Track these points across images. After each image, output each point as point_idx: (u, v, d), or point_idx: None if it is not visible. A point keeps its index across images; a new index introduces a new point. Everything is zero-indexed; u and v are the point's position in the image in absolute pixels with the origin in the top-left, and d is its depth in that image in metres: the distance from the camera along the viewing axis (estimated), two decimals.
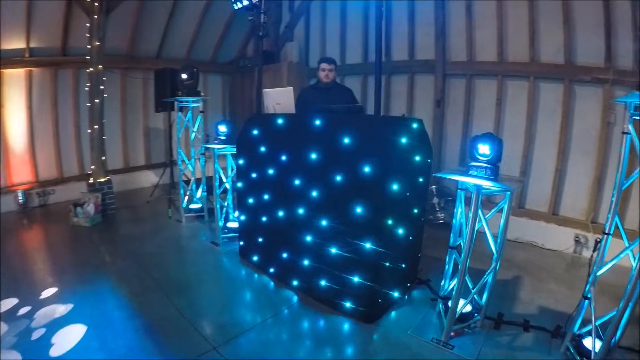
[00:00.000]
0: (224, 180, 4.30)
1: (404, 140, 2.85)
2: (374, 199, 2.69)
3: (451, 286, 2.92)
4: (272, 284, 3.42)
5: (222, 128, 4.20)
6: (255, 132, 3.52)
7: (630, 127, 2.32)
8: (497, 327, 2.81)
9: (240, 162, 3.73)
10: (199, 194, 5.08)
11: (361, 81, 5.86)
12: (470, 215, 2.55)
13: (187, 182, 5.09)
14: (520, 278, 3.62)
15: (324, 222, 2.96)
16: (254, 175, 3.57)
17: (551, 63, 4.13)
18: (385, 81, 5.56)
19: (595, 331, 2.37)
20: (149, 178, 6.37)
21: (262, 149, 3.43)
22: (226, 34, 6.82)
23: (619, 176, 2.36)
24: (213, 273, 3.65)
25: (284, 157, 3.23)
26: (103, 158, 5.03)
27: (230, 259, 3.91)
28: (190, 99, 4.76)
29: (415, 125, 3.07)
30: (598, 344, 2.33)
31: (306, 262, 3.14)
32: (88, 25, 4.73)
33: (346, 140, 2.77)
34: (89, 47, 4.77)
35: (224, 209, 4.38)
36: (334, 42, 6.14)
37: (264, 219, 3.52)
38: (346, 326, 2.83)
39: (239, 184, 3.79)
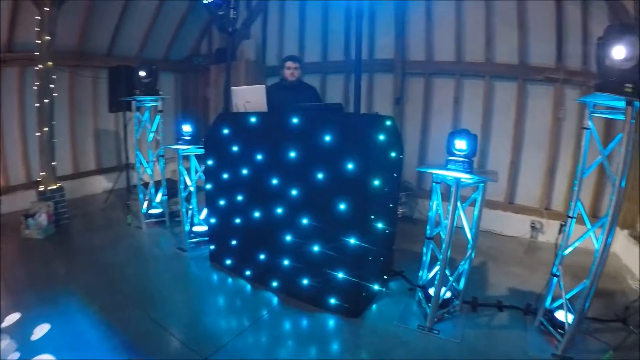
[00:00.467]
0: (189, 182, 4.11)
1: (381, 137, 2.91)
2: (356, 195, 2.70)
3: (431, 275, 3.03)
4: (249, 286, 3.31)
5: (187, 128, 4.00)
6: (225, 131, 3.37)
7: (590, 123, 2.55)
8: (474, 310, 2.97)
9: (210, 162, 3.56)
10: (158, 198, 4.79)
11: (320, 80, 5.86)
12: (450, 207, 2.66)
13: (145, 185, 4.79)
14: (486, 263, 3.84)
15: (304, 221, 2.90)
16: (225, 176, 3.42)
17: (506, 63, 4.43)
18: (344, 80, 5.64)
19: (565, 304, 2.59)
20: (101, 183, 5.89)
21: (235, 148, 3.29)
22: (180, 31, 6.51)
23: (580, 167, 2.57)
24: (186, 280, 3.46)
25: (259, 157, 3.12)
26: (54, 163, 4.55)
27: (200, 265, 3.72)
28: (148, 97, 4.48)
29: (388, 123, 3.14)
30: (569, 316, 2.54)
31: (286, 262, 3.07)
32: (38, 18, 4.26)
33: (327, 138, 2.74)
34: (38, 41, 4.30)
35: (190, 213, 4.19)
36: (292, 41, 6.09)
37: (238, 220, 3.39)
38: (332, 322, 2.82)
39: (209, 186, 3.61)
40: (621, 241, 3.81)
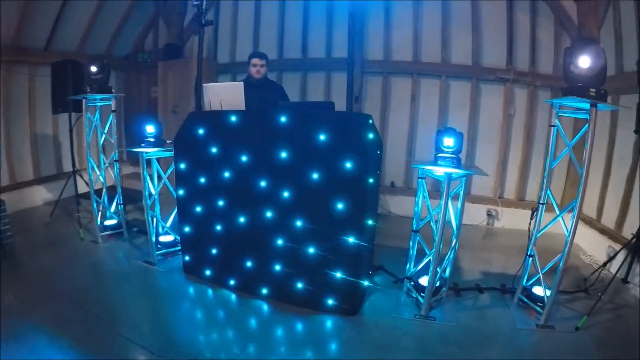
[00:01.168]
0: (152, 189, 3.78)
1: (371, 135, 2.94)
2: (352, 193, 2.69)
3: (420, 266, 3.17)
4: (234, 296, 3.12)
5: (150, 129, 3.66)
6: (201, 131, 3.15)
7: (557, 122, 2.85)
8: (458, 295, 3.16)
9: (182, 166, 3.28)
10: (113, 207, 4.36)
11: (276, 78, 5.76)
12: (442, 201, 2.79)
13: (96, 193, 4.31)
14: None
15: (298, 223, 2.83)
16: (202, 180, 3.19)
17: (461, 64, 4.76)
18: (301, 78, 5.61)
19: (542, 280, 2.89)
20: (41, 194, 5.12)
21: (214, 149, 3.08)
22: (124, 26, 5.93)
23: (549, 159, 2.87)
24: (163, 297, 3.16)
25: (244, 158, 2.96)
26: None
27: (174, 278, 3.42)
28: (100, 96, 4.03)
29: (371, 121, 3.20)
30: (547, 291, 2.83)
31: (277, 267, 2.96)
32: None
33: (321, 137, 2.72)
34: None
35: (155, 222, 3.86)
36: (246, 38, 5.90)
37: (218, 227, 3.18)
38: (331, 323, 2.78)
39: (181, 192, 3.34)
40: (568, 222, 4.34)
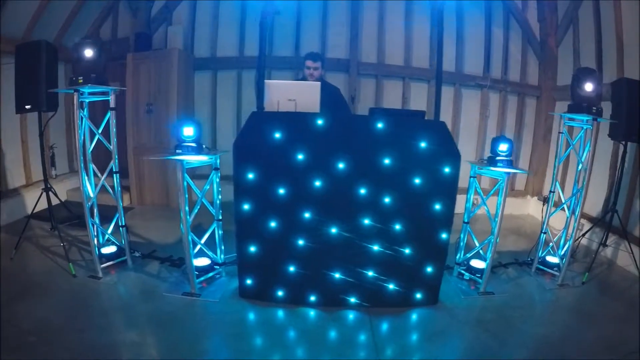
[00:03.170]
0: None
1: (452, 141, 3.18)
2: (445, 194, 2.97)
3: (472, 253, 3.63)
4: (318, 313, 2.98)
5: (189, 131, 3.09)
6: (278, 135, 2.89)
7: (564, 129, 3.62)
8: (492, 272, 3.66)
9: (250, 176, 2.93)
10: (110, 229, 3.61)
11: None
12: (501, 198, 3.29)
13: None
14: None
15: (397, 226, 2.93)
16: (280, 191, 2.92)
17: (445, 71, 5.33)
18: (293, 78, 5.49)
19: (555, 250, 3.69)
20: None
21: (300, 156, 2.87)
22: (79, 12, 4.84)
23: (557, 157, 3.67)
24: (251, 333, 2.81)
25: (340, 165, 2.87)
26: None
27: (236, 307, 3.02)
28: (99, 88, 3.28)
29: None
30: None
31: (370, 273, 2.99)
32: None
33: (422, 144, 2.88)
34: None
35: (197, 246, 3.33)
36: (230, 30, 5.46)
37: (300, 241, 2.97)
38: (424, 314, 3.01)
39: (246, 206, 2.96)
40: (533, 205, 5.41)
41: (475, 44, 5.23)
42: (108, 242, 3.69)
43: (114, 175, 3.59)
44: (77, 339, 2.47)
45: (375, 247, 2.99)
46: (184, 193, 3.09)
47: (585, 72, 3.44)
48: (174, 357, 2.40)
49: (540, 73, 5.46)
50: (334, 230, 2.97)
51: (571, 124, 3.69)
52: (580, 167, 3.57)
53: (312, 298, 3.08)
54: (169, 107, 4.98)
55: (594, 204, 4.49)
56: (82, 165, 3.41)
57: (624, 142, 3.62)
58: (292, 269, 3.05)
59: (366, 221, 2.96)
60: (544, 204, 3.85)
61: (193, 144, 3.11)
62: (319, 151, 2.90)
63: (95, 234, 3.50)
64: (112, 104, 3.46)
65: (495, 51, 5.27)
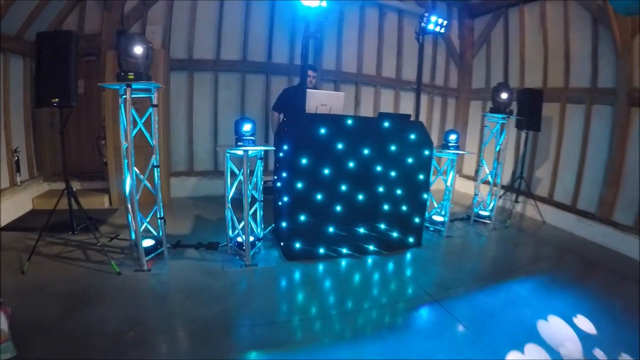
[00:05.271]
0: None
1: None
2: (426, 169, 4.27)
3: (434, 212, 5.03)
4: (350, 261, 3.93)
5: (248, 127, 3.64)
6: (323, 130, 3.75)
7: (487, 125, 5.26)
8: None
9: (304, 161, 3.71)
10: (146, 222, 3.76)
11: (240, 80, 6.00)
12: (453, 172, 4.73)
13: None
14: None
15: (398, 191, 4.13)
16: (326, 171, 3.78)
17: (388, 77, 6.70)
18: (265, 81, 6.12)
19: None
20: None
21: (339, 146, 3.78)
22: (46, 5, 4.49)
23: (482, 146, 5.28)
24: (313, 282, 3.53)
25: (365, 151, 3.89)
26: None
27: (292, 267, 3.74)
28: (144, 85, 3.45)
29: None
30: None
31: (382, 226, 4.11)
32: None
33: (411, 137, 4.13)
34: None
35: (241, 225, 3.85)
36: (206, 33, 5.73)
37: (338, 208, 3.89)
38: (421, 252, 4.26)
39: (299, 184, 3.73)
40: (458, 181, 7.18)
41: (411, 56, 6.68)
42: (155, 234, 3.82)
43: (155, 169, 3.77)
44: (196, 317, 2.87)
45: (385, 207, 4.12)
46: (247, 179, 3.65)
47: (502, 85, 5.10)
48: (303, 308, 3.16)
49: (459, 79, 7.31)
50: (360, 197, 3.98)
51: (492, 120, 5.35)
52: (499, 148, 5.22)
53: (344, 250, 4.03)
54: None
55: (506, 175, 6.31)
56: (125, 161, 3.54)
57: (526, 131, 5.48)
58: (331, 229, 3.94)
59: (380, 189, 4.06)
60: (475, 178, 5.46)
61: (252, 138, 3.69)
62: (350, 142, 3.87)
63: (135, 228, 3.66)
64: (155, 101, 3.72)
65: (427, 61, 6.85)
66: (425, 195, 4.32)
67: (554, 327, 2.93)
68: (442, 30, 4.77)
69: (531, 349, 2.64)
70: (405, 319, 3.04)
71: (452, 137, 4.81)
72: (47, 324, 2.62)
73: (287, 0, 5.17)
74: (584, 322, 3.00)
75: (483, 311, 3.10)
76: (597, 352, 2.63)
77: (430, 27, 4.69)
